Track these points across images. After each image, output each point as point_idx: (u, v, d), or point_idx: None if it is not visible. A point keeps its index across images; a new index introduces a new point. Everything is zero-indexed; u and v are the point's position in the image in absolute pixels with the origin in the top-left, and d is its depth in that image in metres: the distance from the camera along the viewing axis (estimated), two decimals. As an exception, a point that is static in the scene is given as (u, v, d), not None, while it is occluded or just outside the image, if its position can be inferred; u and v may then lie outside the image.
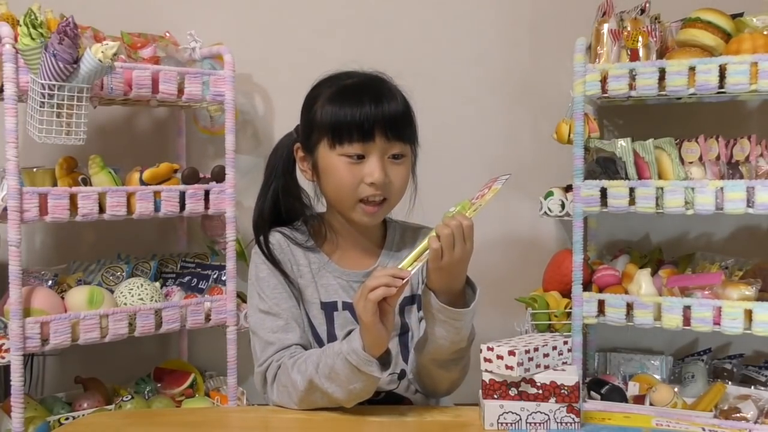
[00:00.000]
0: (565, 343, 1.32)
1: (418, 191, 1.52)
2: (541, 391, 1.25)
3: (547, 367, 1.28)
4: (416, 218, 1.57)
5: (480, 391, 1.28)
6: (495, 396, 1.26)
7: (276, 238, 1.50)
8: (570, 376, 1.26)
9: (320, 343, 1.46)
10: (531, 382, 1.25)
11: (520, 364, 1.24)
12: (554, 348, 1.30)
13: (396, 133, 1.40)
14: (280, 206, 1.52)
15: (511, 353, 1.24)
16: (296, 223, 1.54)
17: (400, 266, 1.29)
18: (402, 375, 1.47)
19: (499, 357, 1.25)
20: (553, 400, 1.25)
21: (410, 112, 1.45)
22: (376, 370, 1.29)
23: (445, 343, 1.36)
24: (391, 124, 1.39)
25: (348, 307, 1.46)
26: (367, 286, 1.26)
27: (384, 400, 1.46)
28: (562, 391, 1.25)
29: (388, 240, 1.53)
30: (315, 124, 1.42)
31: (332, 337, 1.45)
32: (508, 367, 1.25)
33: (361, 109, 1.37)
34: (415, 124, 1.46)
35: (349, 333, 1.35)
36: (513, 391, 1.26)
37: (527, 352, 1.25)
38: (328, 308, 1.48)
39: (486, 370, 1.27)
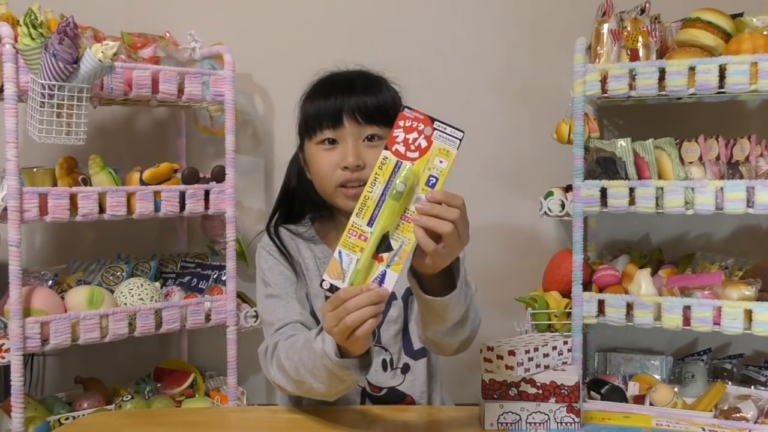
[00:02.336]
0: (565, 343, 1.32)
1: None
2: (541, 391, 1.25)
3: (547, 367, 1.28)
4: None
5: (480, 391, 1.28)
6: (495, 396, 1.26)
7: (281, 233, 1.51)
8: (570, 376, 1.26)
9: None
10: (531, 382, 1.25)
11: (520, 364, 1.24)
12: (554, 348, 1.30)
13: (367, 117, 1.38)
14: (294, 205, 1.54)
15: (511, 353, 1.24)
16: (302, 221, 1.54)
17: (355, 268, 1.09)
18: (405, 369, 1.46)
19: (499, 357, 1.25)
20: (553, 400, 1.25)
21: (390, 98, 1.43)
22: (355, 372, 1.16)
23: (443, 322, 1.22)
24: (360, 107, 1.38)
25: None
26: (346, 323, 1.07)
27: (386, 397, 1.45)
28: (562, 391, 1.25)
29: None
30: (299, 123, 1.46)
31: None
32: (508, 367, 1.25)
33: (330, 96, 1.40)
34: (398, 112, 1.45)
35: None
36: (513, 391, 1.26)
37: (527, 352, 1.25)
38: None
39: (486, 370, 1.27)
